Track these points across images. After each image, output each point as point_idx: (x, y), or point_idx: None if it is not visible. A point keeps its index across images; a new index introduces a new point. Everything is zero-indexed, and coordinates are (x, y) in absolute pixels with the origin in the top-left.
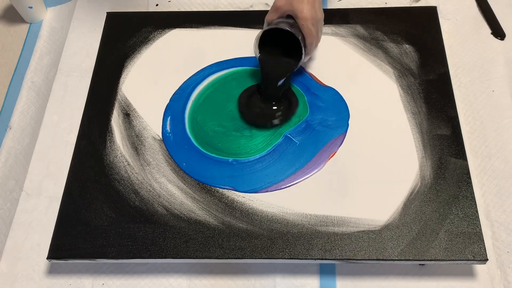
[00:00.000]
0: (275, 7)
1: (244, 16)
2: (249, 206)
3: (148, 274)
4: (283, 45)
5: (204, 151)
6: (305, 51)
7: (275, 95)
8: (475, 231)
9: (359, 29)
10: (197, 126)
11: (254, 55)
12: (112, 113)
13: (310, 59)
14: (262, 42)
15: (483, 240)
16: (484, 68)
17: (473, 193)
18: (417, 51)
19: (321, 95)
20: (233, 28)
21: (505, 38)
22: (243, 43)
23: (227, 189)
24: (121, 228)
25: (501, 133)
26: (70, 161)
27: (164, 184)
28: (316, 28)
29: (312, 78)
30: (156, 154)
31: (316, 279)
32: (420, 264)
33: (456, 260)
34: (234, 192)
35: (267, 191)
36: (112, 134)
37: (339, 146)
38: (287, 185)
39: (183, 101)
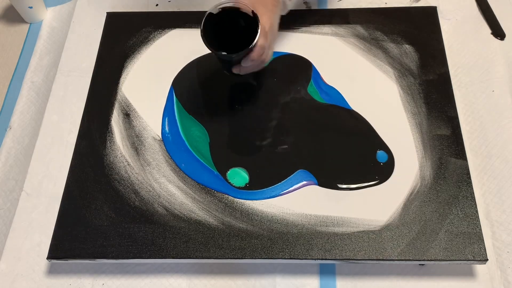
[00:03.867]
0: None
1: None
2: (249, 206)
3: (148, 274)
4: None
5: (196, 155)
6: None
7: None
8: (475, 231)
9: (359, 29)
10: (186, 130)
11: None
12: (112, 113)
13: (311, 57)
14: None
15: (483, 240)
16: (484, 68)
17: (473, 193)
18: (417, 51)
19: (328, 92)
20: None
21: (505, 38)
22: None
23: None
24: (121, 228)
25: (501, 133)
26: (70, 161)
27: (164, 184)
28: (268, 40)
29: (319, 75)
30: (156, 154)
31: (316, 279)
32: (420, 264)
33: (456, 260)
34: None
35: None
36: (112, 134)
37: None
38: (286, 193)
39: (172, 103)
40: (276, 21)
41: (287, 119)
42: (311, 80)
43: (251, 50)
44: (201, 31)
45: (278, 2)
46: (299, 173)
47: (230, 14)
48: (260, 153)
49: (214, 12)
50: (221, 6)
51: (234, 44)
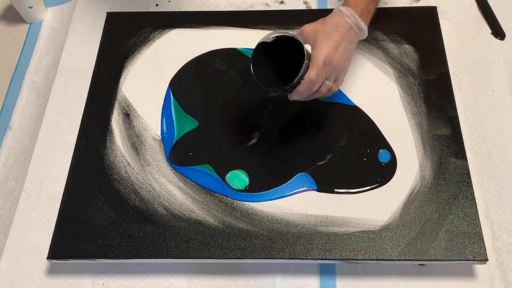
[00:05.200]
0: (300, 30)
1: (244, 16)
2: (249, 206)
3: (148, 274)
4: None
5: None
6: (299, 78)
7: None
8: (475, 231)
9: None
10: (183, 131)
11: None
12: (112, 113)
13: None
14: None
15: (483, 240)
16: (484, 68)
17: (473, 193)
18: (417, 51)
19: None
20: (233, 28)
21: (505, 38)
22: (243, 43)
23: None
24: (121, 228)
25: (501, 133)
26: (70, 161)
27: (164, 184)
28: (325, 72)
29: None
30: (156, 154)
31: (316, 279)
32: (420, 264)
33: (456, 260)
34: None
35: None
36: (112, 134)
37: None
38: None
39: (169, 103)
40: (344, 50)
41: (288, 119)
42: None
43: (296, 84)
44: (251, 61)
45: (349, 28)
46: (299, 177)
47: (286, 43)
48: (260, 155)
49: (268, 41)
50: (275, 35)
51: (289, 74)
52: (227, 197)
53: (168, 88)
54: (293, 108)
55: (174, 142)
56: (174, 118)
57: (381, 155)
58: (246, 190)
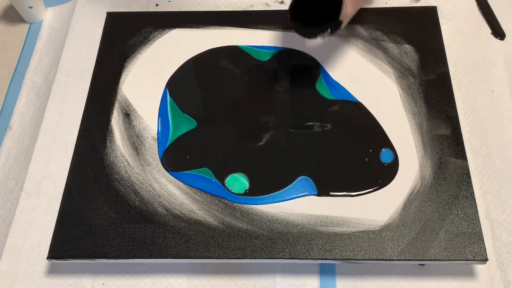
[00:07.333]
0: None
1: (244, 16)
2: (249, 206)
3: (148, 274)
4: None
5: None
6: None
7: None
8: (475, 231)
9: (359, 29)
10: (178, 132)
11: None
12: (112, 113)
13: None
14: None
15: (483, 240)
16: (484, 68)
17: (473, 193)
18: (417, 51)
19: (337, 87)
20: (233, 28)
21: (505, 38)
22: (243, 43)
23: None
24: (121, 228)
25: (501, 133)
26: (70, 161)
27: (164, 184)
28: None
29: (326, 71)
30: (156, 154)
31: (316, 279)
32: (420, 264)
33: (456, 260)
34: None
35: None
36: (112, 134)
37: None
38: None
39: (166, 104)
40: None
41: (291, 119)
42: (320, 75)
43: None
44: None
45: None
46: (300, 181)
47: None
48: (261, 157)
49: None
50: None
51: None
52: (226, 200)
53: (165, 88)
54: (295, 108)
55: (168, 143)
56: (170, 118)
57: (383, 155)
58: (246, 194)
